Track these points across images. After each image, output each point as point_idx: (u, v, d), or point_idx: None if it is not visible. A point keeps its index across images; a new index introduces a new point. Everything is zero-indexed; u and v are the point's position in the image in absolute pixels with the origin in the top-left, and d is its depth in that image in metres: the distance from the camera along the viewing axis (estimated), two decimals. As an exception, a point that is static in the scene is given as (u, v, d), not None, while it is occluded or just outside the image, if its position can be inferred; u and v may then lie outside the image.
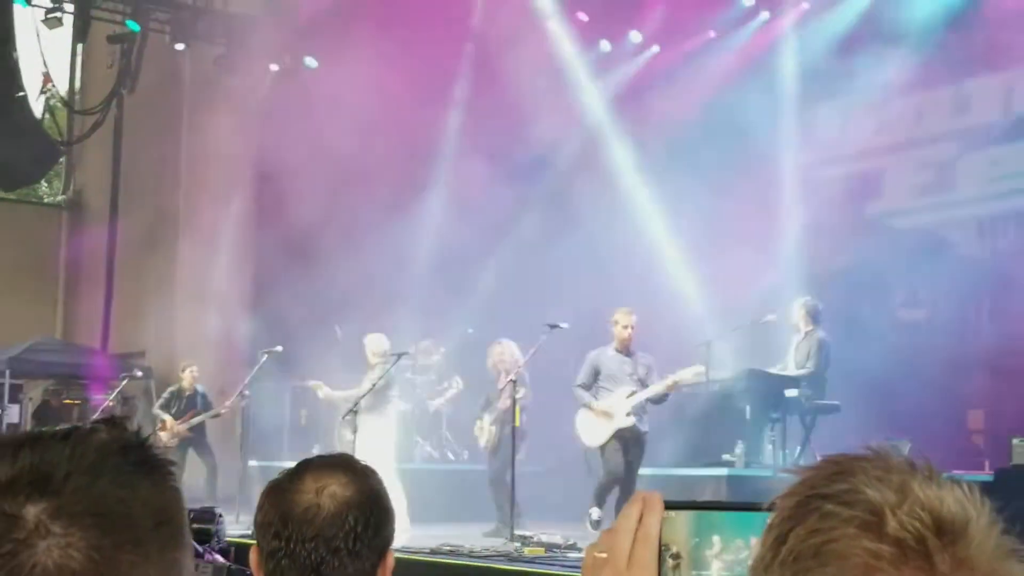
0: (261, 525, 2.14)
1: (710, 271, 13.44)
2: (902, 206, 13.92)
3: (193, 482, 13.75)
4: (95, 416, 16.03)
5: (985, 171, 13.07)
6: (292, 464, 2.23)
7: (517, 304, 13.29)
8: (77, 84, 23.67)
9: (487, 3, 15.44)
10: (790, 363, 11.46)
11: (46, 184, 26.15)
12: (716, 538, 1.13)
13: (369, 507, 2.13)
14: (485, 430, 11.46)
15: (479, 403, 11.85)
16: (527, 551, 8.97)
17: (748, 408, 11.41)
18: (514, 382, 10.33)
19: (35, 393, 19.96)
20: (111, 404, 15.81)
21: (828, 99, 14.31)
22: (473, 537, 10.16)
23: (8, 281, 21.82)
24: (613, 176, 14.92)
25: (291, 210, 15.85)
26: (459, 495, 12.83)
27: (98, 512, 0.99)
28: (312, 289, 15.12)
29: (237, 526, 9.51)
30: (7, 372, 18.17)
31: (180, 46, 17.47)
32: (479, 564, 8.58)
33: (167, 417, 14.32)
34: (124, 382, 15.81)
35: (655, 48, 15.42)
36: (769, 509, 1.01)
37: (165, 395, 14.80)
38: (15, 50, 18.18)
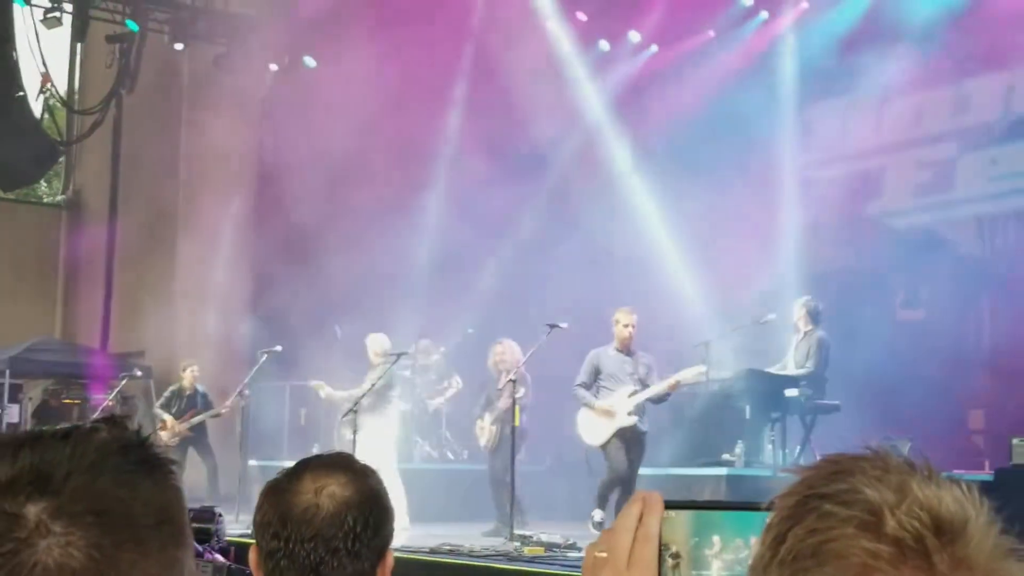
0: (260, 525, 2.14)
1: (710, 271, 13.45)
2: (902, 206, 13.92)
3: (193, 482, 13.75)
4: (95, 416, 16.05)
5: (985, 171, 13.07)
6: (292, 463, 2.23)
7: (517, 304, 13.30)
8: (76, 84, 23.65)
9: (486, 3, 15.44)
10: (790, 363, 11.46)
11: (45, 184, 26.14)
12: (716, 538, 1.13)
13: (368, 507, 2.13)
14: (486, 430, 11.46)
15: (480, 403, 11.85)
16: (527, 550, 8.97)
17: (748, 408, 11.41)
18: (514, 382, 10.33)
19: (35, 393, 19.95)
20: (111, 404, 15.81)
21: (827, 99, 14.32)
22: (473, 537, 10.16)
23: (8, 281, 21.82)
24: (612, 176, 14.93)
25: (290, 209, 15.86)
26: (458, 495, 12.84)
27: (98, 511, 1.00)
28: (312, 288, 15.14)
29: (237, 525, 9.51)
30: (7, 372, 18.16)
31: (179, 46, 17.47)
32: (479, 564, 8.58)
33: (167, 417, 14.33)
34: (123, 382, 15.81)
35: (654, 48, 15.42)
36: (768, 509, 1.01)
37: (166, 394, 14.80)
38: (14, 50, 18.18)
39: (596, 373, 10.33)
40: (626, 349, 10.30)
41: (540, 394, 11.29)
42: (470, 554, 8.98)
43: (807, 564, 0.94)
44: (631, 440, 10.17)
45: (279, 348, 13.24)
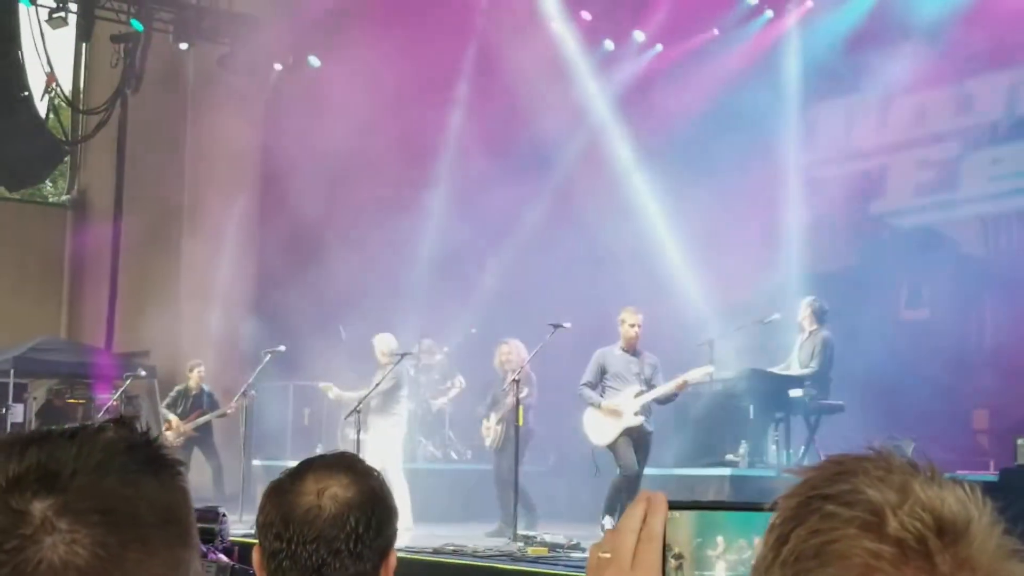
0: (263, 526, 2.14)
1: (713, 270, 13.44)
2: (905, 205, 13.91)
3: (198, 482, 13.75)
4: (99, 415, 16.07)
5: (988, 170, 13.07)
6: (295, 463, 2.23)
7: (520, 303, 13.30)
8: (81, 84, 23.67)
9: (491, 2, 15.43)
10: (794, 363, 11.45)
11: (50, 184, 26.17)
12: (720, 538, 1.14)
13: (370, 508, 2.13)
14: (491, 430, 11.46)
15: (485, 403, 11.86)
16: (530, 551, 8.97)
17: (752, 408, 11.41)
18: (517, 381, 10.33)
19: (39, 392, 19.95)
20: (115, 403, 15.81)
21: (831, 98, 14.32)
22: (476, 537, 10.17)
23: (13, 280, 21.84)
24: (616, 175, 14.92)
25: (295, 209, 15.87)
26: (462, 495, 12.84)
27: (104, 509, 1.00)
28: (315, 288, 15.14)
29: (241, 525, 9.50)
30: (11, 371, 18.17)
31: (184, 45, 17.47)
32: (482, 564, 8.59)
33: (172, 417, 14.33)
34: (128, 381, 15.82)
35: (658, 47, 15.42)
36: (772, 509, 1.01)
37: (172, 394, 14.81)
38: (19, 50, 18.19)
39: (602, 373, 10.32)
40: (632, 349, 10.29)
41: (543, 394, 11.29)
42: (474, 554, 8.99)
43: (809, 565, 0.94)
44: (637, 440, 10.15)
45: (283, 348, 13.24)
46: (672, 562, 1.14)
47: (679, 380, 10.16)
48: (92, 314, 22.01)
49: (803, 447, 11.25)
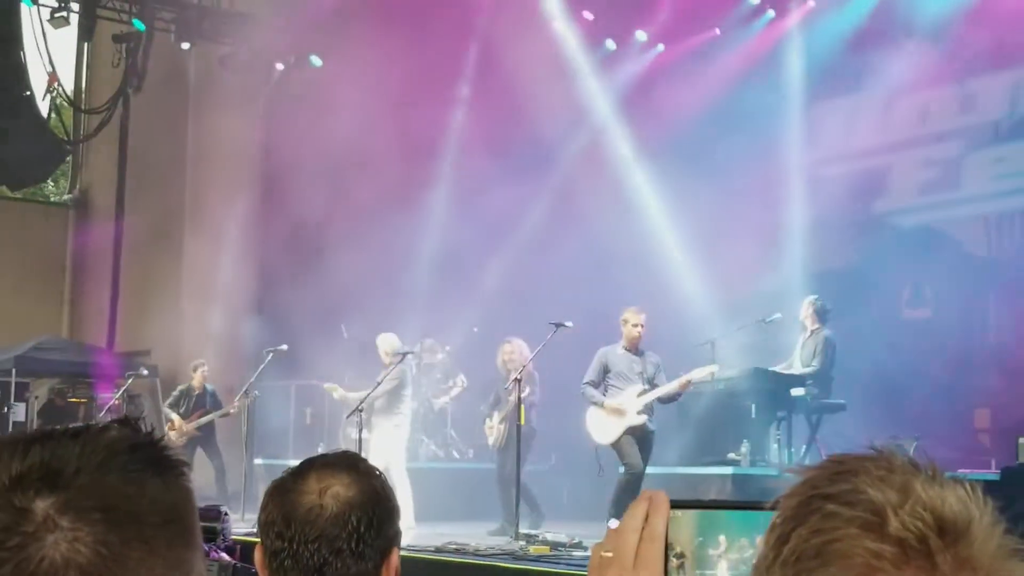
0: (265, 525, 2.14)
1: (715, 269, 13.44)
2: (907, 204, 13.90)
3: (200, 481, 13.76)
4: (101, 414, 16.10)
5: (991, 169, 13.06)
6: (297, 463, 2.23)
7: (521, 303, 13.30)
8: (83, 83, 23.68)
9: (493, 1, 15.43)
10: (796, 362, 11.45)
11: (52, 183, 26.18)
12: (722, 537, 1.14)
13: (372, 507, 2.13)
14: (494, 429, 11.46)
15: (488, 402, 11.86)
16: (532, 549, 8.97)
17: (754, 407, 11.40)
18: (519, 380, 10.33)
19: (41, 392, 19.96)
20: (117, 402, 15.83)
21: (833, 97, 14.31)
22: (478, 535, 10.17)
23: (15, 280, 21.85)
24: (618, 174, 14.92)
25: (297, 208, 15.88)
26: (464, 493, 12.84)
27: (106, 507, 1.00)
28: (317, 287, 15.14)
29: (243, 524, 9.52)
30: (13, 371, 18.19)
31: (186, 45, 17.48)
32: (484, 563, 8.59)
33: (175, 416, 14.33)
34: (130, 381, 15.83)
35: (660, 47, 15.42)
36: (773, 508, 1.01)
37: (175, 394, 14.80)
38: (22, 50, 18.20)
39: (605, 371, 10.31)
40: (634, 348, 10.29)
41: (545, 393, 11.30)
42: (475, 553, 8.99)
43: (810, 564, 0.94)
44: (640, 439, 10.15)
45: (285, 347, 13.25)
46: (674, 561, 1.14)
47: (683, 379, 10.15)
48: (94, 313, 22.03)
49: (805, 446, 11.25)
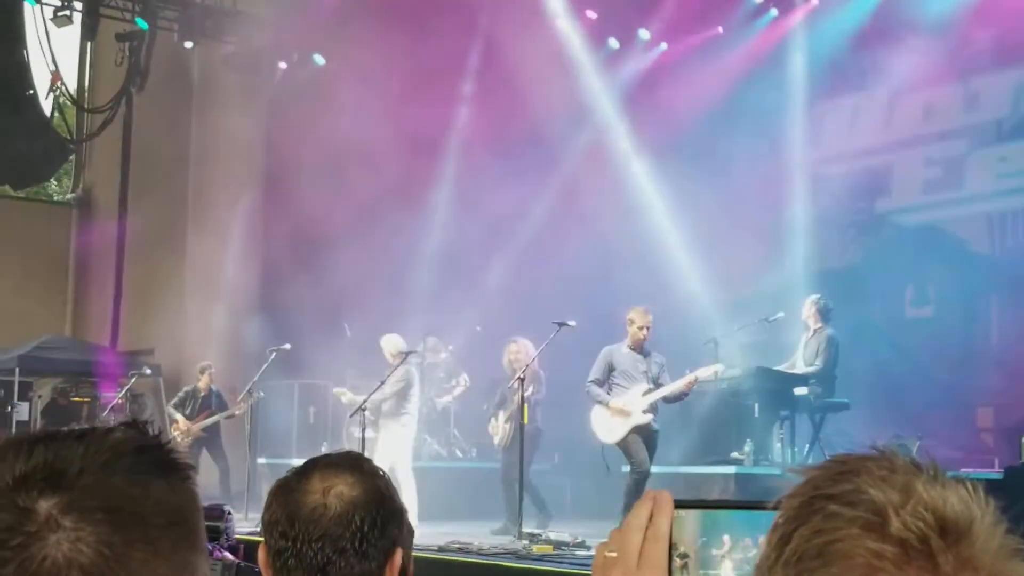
0: (268, 524, 2.15)
1: (718, 268, 13.44)
2: (911, 203, 13.89)
3: (205, 482, 13.76)
4: (104, 413, 16.10)
5: (994, 168, 13.05)
6: (301, 462, 2.23)
7: (524, 302, 13.30)
8: (86, 82, 23.70)
9: (496, 1, 15.43)
10: (799, 361, 11.45)
11: (55, 182, 26.22)
12: (725, 537, 1.14)
13: (376, 507, 2.13)
14: (499, 428, 11.46)
15: (493, 401, 11.86)
16: (535, 549, 8.97)
17: (757, 406, 11.40)
18: (522, 380, 10.33)
19: (44, 391, 19.99)
20: (120, 402, 15.83)
21: (836, 96, 14.30)
22: (481, 535, 10.18)
23: (18, 279, 21.86)
24: (621, 173, 14.92)
25: (300, 207, 15.88)
26: (467, 492, 12.85)
27: (109, 508, 1.00)
28: (320, 286, 15.15)
29: (246, 523, 9.52)
30: (16, 370, 18.21)
31: (189, 44, 17.48)
32: (487, 562, 8.59)
33: (179, 417, 14.32)
34: (133, 379, 15.83)
35: (663, 45, 15.42)
36: (775, 508, 1.01)
37: (180, 394, 14.79)
38: (25, 49, 18.22)
39: (609, 370, 10.30)
40: (639, 348, 10.28)
41: (548, 392, 11.29)
42: (479, 552, 8.99)
43: (812, 564, 0.94)
44: (645, 439, 10.15)
45: (288, 346, 13.25)
46: (678, 561, 1.14)
47: (689, 377, 10.14)
48: (97, 312, 22.04)
49: (808, 445, 11.24)
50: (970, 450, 11.38)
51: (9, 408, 18.15)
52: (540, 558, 8.61)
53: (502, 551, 8.96)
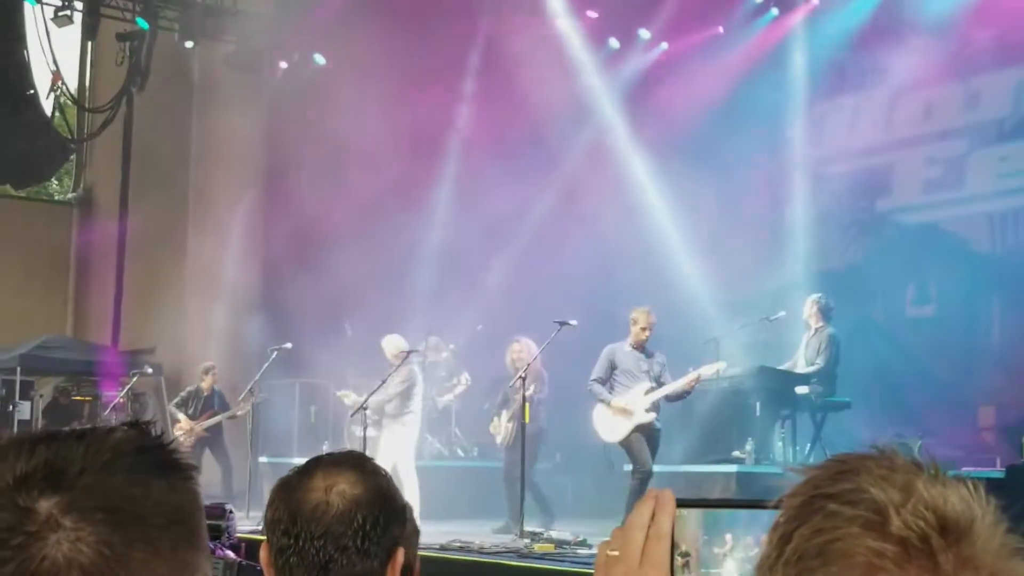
0: (271, 522, 2.15)
1: (719, 267, 13.44)
2: (912, 202, 13.89)
3: (207, 482, 13.75)
4: (106, 413, 16.11)
5: (995, 167, 13.05)
6: (302, 461, 2.24)
7: (526, 301, 13.30)
8: (87, 82, 23.70)
9: (496, 1, 15.43)
10: (800, 360, 11.45)
11: (56, 182, 26.21)
12: (727, 536, 1.14)
13: (378, 505, 2.13)
14: (503, 427, 11.46)
15: (496, 400, 11.85)
16: (537, 547, 8.98)
17: (758, 405, 11.39)
18: (523, 379, 10.33)
19: (45, 390, 19.99)
20: (122, 401, 15.84)
21: (837, 95, 14.30)
22: (483, 533, 10.18)
23: (19, 278, 21.87)
24: (622, 172, 14.92)
25: (300, 206, 15.89)
26: (468, 491, 12.85)
27: (109, 508, 1.00)
28: (321, 285, 15.15)
29: (248, 522, 9.52)
30: (17, 369, 18.21)
31: (189, 44, 17.48)
32: (489, 560, 8.59)
33: (182, 417, 14.32)
34: (134, 379, 15.83)
35: (664, 45, 15.41)
36: (777, 507, 1.01)
37: (182, 394, 14.79)
38: (25, 48, 18.22)
39: (612, 369, 10.30)
40: (641, 347, 10.28)
41: (551, 391, 11.30)
42: (480, 551, 8.99)
43: (812, 564, 0.95)
44: (647, 437, 10.15)
45: (289, 345, 13.25)
46: (679, 560, 1.15)
47: (692, 375, 10.14)
48: (98, 312, 22.05)
49: (809, 444, 11.24)
50: (971, 449, 11.38)
51: (11, 407, 18.15)
52: (542, 557, 8.62)
53: (504, 550, 8.97)
